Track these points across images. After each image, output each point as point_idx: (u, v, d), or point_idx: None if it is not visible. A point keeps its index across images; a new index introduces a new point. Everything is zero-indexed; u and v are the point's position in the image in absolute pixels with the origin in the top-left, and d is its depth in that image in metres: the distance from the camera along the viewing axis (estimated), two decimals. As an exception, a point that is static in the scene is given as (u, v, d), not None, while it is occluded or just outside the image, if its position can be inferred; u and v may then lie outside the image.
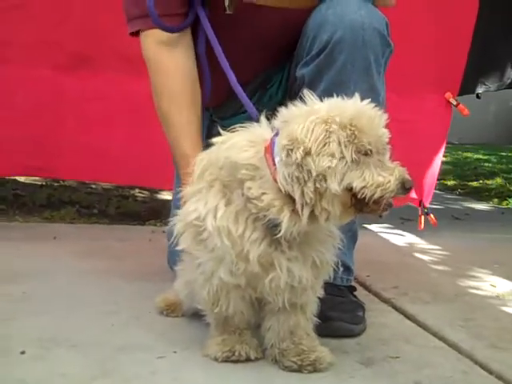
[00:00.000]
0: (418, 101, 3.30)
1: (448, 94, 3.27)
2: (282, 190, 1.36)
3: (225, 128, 1.49)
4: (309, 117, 1.35)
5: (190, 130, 1.88)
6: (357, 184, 1.35)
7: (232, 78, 1.80)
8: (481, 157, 8.63)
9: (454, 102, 3.27)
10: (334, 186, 1.33)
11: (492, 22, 3.25)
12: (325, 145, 1.33)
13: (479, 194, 5.41)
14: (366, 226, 3.41)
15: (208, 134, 1.93)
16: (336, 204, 1.36)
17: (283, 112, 1.41)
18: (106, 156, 3.17)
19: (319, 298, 1.56)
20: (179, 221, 1.53)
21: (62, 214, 3.36)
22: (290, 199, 1.37)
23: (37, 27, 2.98)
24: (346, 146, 1.34)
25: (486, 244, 3.28)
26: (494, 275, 2.56)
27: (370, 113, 1.39)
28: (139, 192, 4.14)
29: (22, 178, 3.93)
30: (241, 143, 1.43)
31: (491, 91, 3.43)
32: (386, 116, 1.41)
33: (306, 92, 1.42)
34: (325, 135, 1.33)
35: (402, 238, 3.31)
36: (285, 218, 1.37)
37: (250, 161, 1.40)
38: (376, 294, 2.23)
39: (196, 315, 1.70)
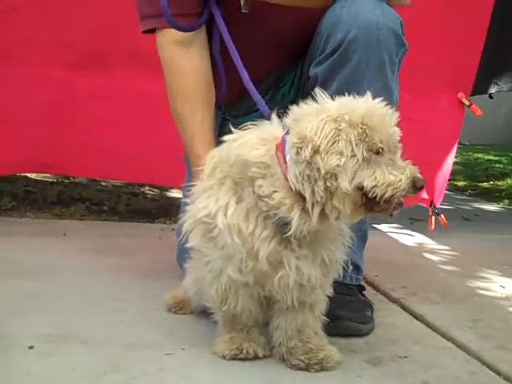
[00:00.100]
0: (432, 101, 3.28)
1: (461, 94, 3.26)
2: (293, 188, 1.36)
3: (236, 126, 1.49)
4: (319, 115, 1.35)
5: (203, 130, 1.88)
6: (368, 183, 1.35)
7: (245, 76, 1.80)
8: (491, 158, 8.58)
9: (467, 103, 3.25)
10: (345, 184, 1.33)
11: (505, 22, 3.23)
12: (334, 143, 1.32)
13: (490, 195, 5.39)
14: (375, 225, 3.40)
15: (220, 132, 1.92)
16: (347, 203, 1.36)
17: (294, 110, 1.41)
18: (117, 153, 3.17)
19: (328, 296, 1.56)
20: (189, 217, 1.53)
21: (72, 211, 3.36)
22: (301, 197, 1.36)
23: (50, 27, 2.98)
24: (357, 145, 1.33)
25: (495, 245, 3.26)
26: (503, 276, 2.56)
27: (382, 111, 1.39)
28: (149, 189, 4.15)
29: (33, 175, 3.94)
30: (252, 141, 1.43)
31: (504, 91, 3.41)
32: (397, 114, 1.41)
33: (318, 91, 1.42)
34: (334, 133, 1.33)
35: (411, 238, 3.31)
36: (295, 216, 1.37)
37: (261, 159, 1.40)
38: (385, 294, 2.22)
39: (204, 313, 1.70)
